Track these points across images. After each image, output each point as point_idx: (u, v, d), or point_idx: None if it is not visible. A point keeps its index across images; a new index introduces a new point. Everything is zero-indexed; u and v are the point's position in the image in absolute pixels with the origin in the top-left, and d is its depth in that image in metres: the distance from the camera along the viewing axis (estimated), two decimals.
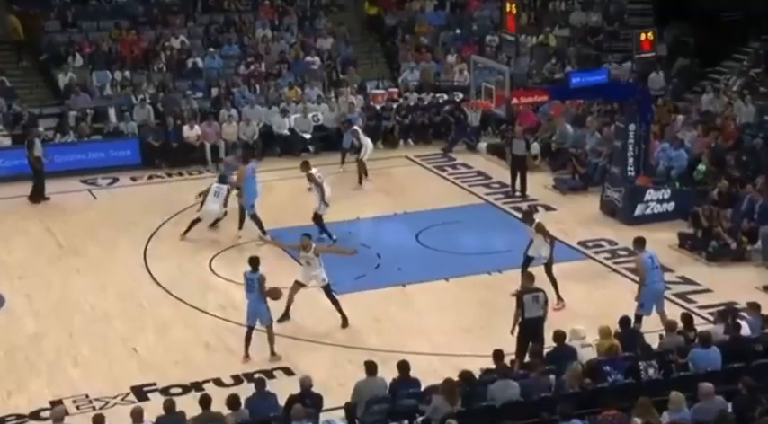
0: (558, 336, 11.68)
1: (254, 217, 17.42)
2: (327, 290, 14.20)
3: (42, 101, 23.54)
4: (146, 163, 21.84)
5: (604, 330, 11.87)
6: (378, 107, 24.06)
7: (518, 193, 19.64)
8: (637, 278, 15.65)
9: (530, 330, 12.34)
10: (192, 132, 22.13)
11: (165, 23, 26.16)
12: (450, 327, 14.31)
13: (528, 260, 14.66)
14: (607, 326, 11.94)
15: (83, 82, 23.62)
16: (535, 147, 21.46)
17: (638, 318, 13.08)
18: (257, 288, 13.15)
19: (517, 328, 12.48)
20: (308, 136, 22.76)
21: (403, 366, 11.08)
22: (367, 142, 20.77)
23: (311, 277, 14.18)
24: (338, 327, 14.21)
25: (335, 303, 14.21)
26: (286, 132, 22.81)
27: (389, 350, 13.28)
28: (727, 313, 12.52)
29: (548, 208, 19.21)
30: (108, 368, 13.31)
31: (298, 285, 14.30)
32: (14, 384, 12.90)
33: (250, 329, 13.36)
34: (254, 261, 13.36)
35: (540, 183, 20.44)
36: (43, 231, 18.33)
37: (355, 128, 21.01)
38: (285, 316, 14.29)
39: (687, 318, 12.43)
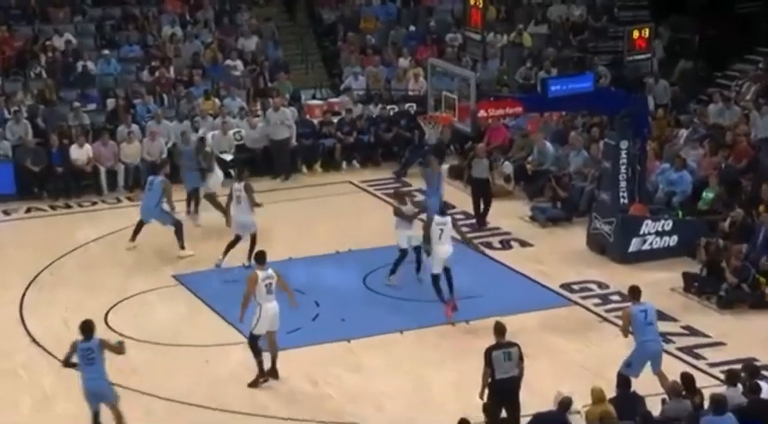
0: (562, 404, 11.65)
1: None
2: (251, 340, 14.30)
3: None
4: (23, 192, 21.64)
5: (597, 392, 11.93)
6: (315, 122, 24.11)
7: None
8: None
9: (502, 393, 12.37)
10: (82, 153, 21.96)
11: (46, 18, 26.00)
12: (407, 391, 14.25)
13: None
14: (599, 388, 11.99)
15: None
16: (508, 168, 21.60)
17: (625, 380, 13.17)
18: (100, 358, 12.52)
19: (487, 391, 12.50)
20: (228, 157, 22.71)
21: None
22: (216, 170, 20.34)
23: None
24: (270, 393, 14.15)
25: (256, 355, 14.27)
26: None
27: (332, 421, 13.22)
28: (743, 373, 12.61)
29: (523, 244, 19.32)
30: None
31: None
32: None
33: (95, 416, 12.72)
34: (88, 327, 12.58)
35: (513, 213, 20.58)
36: None
37: (208, 149, 20.61)
38: (273, 373, 14.33)
39: (687, 379, 12.47)
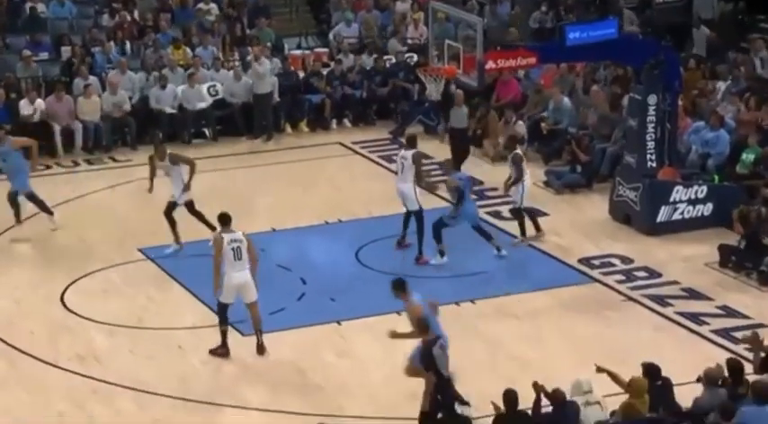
0: (556, 398, 11.76)
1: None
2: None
3: None
4: None
5: (637, 385, 11.81)
6: (300, 74, 24.11)
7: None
8: (658, 309, 15.92)
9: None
10: (32, 109, 21.98)
11: None
12: (403, 380, 14.30)
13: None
14: (640, 379, 11.91)
15: None
16: (521, 128, 21.66)
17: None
18: None
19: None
20: (202, 104, 22.66)
21: None
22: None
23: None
24: (251, 383, 14.22)
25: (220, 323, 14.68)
26: (170, 109, 22.78)
27: (319, 414, 13.33)
28: None
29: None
30: None
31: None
32: None
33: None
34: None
35: None
36: None
37: None
38: (259, 349, 14.71)
39: (735, 367, 12.42)
